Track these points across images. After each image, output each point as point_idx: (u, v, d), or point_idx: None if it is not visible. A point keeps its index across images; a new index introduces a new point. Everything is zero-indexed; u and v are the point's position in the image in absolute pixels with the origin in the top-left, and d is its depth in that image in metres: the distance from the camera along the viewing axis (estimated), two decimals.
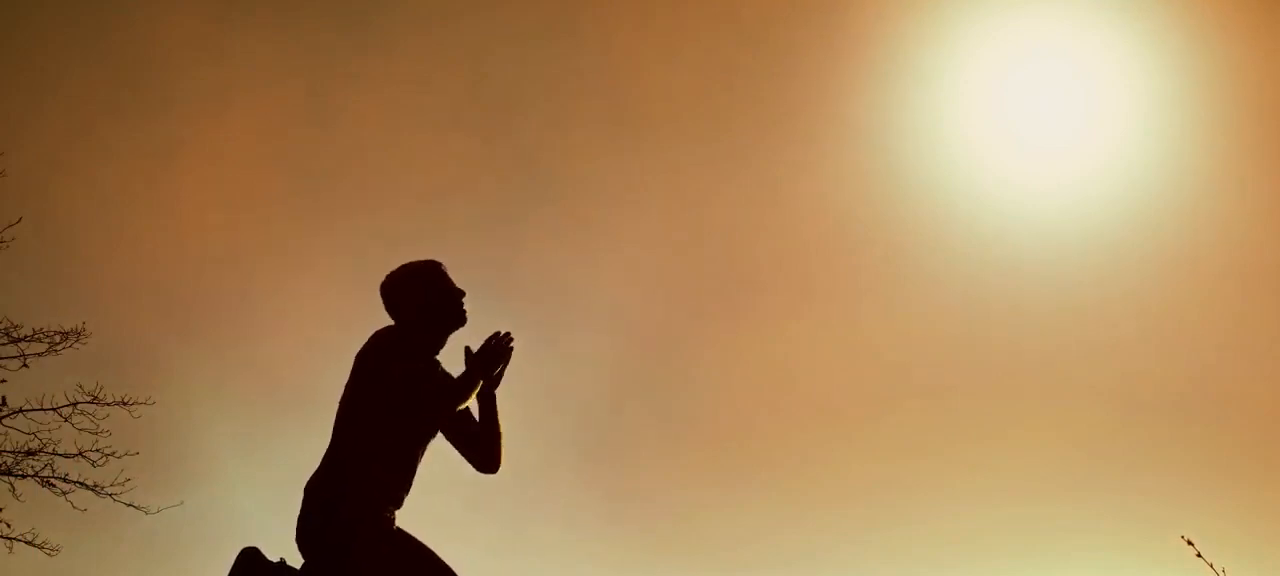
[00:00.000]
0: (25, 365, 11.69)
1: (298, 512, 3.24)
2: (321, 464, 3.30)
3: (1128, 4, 12.94)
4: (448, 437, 3.55)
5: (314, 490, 3.24)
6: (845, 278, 15.62)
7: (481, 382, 3.43)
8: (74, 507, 11.71)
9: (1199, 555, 3.70)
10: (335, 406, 3.38)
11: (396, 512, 3.35)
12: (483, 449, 3.57)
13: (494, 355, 3.43)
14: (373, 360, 3.35)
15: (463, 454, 3.58)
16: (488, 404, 3.56)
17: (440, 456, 3.55)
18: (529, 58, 14.54)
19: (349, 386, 3.37)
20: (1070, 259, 13.99)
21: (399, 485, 3.34)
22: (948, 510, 13.70)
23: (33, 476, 11.65)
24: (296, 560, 3.24)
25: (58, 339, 11.78)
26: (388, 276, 3.52)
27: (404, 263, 3.53)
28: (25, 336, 11.68)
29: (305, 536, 3.19)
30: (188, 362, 14.32)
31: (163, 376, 13.49)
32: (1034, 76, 13.37)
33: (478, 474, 3.59)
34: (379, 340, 3.40)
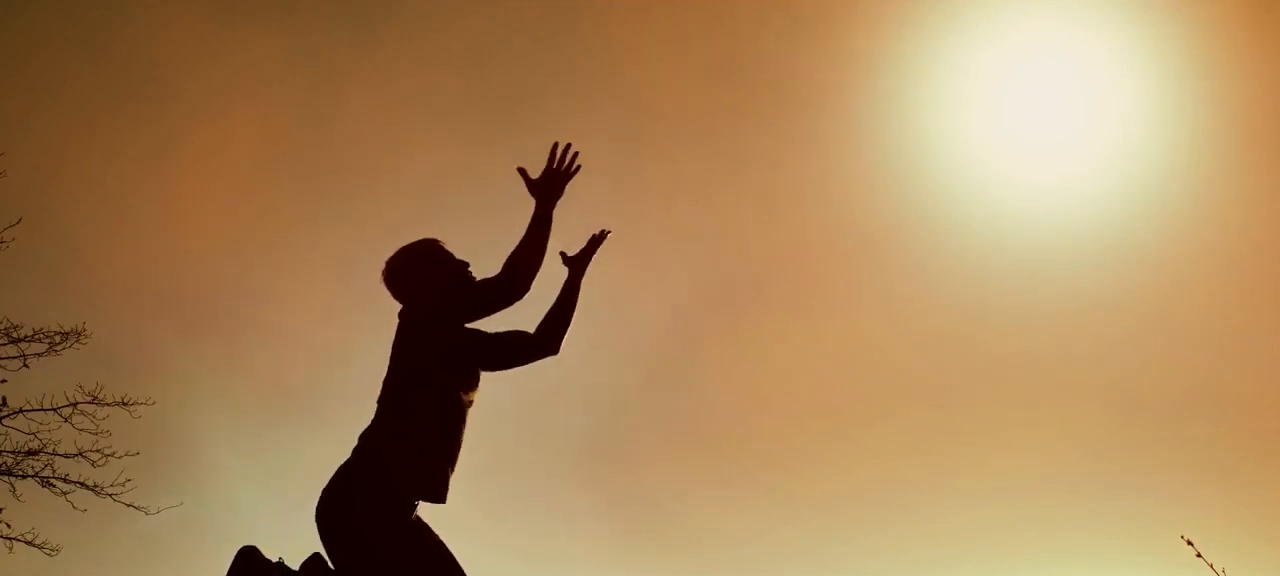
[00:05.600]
0: (25, 365, 11.73)
1: (325, 485, 3.16)
2: (361, 439, 3.23)
3: (1128, 4, 12.94)
4: (498, 349, 3.44)
5: (348, 469, 3.16)
6: (846, 279, 15.62)
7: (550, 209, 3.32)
8: (74, 507, 11.74)
9: (1199, 555, 3.70)
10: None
11: (449, 476, 3.26)
12: (550, 323, 3.51)
13: (560, 177, 3.37)
14: (418, 325, 3.32)
15: (516, 347, 3.46)
16: (573, 284, 3.56)
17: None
18: (529, 58, 14.55)
19: (395, 351, 3.33)
20: (1070, 259, 14.00)
21: (446, 454, 3.25)
22: (948, 510, 13.71)
23: (33, 476, 11.66)
24: (295, 559, 3.23)
25: (58, 339, 11.81)
26: (388, 262, 3.51)
27: (402, 246, 3.52)
28: (25, 336, 11.71)
29: (324, 515, 3.11)
30: (188, 362, 14.34)
31: (163, 376, 13.51)
32: (1034, 77, 13.37)
33: (527, 366, 3.48)
34: (417, 302, 3.39)
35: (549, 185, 3.36)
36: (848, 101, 14.05)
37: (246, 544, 3.15)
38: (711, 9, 14.39)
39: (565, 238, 3.55)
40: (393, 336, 3.39)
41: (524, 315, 3.50)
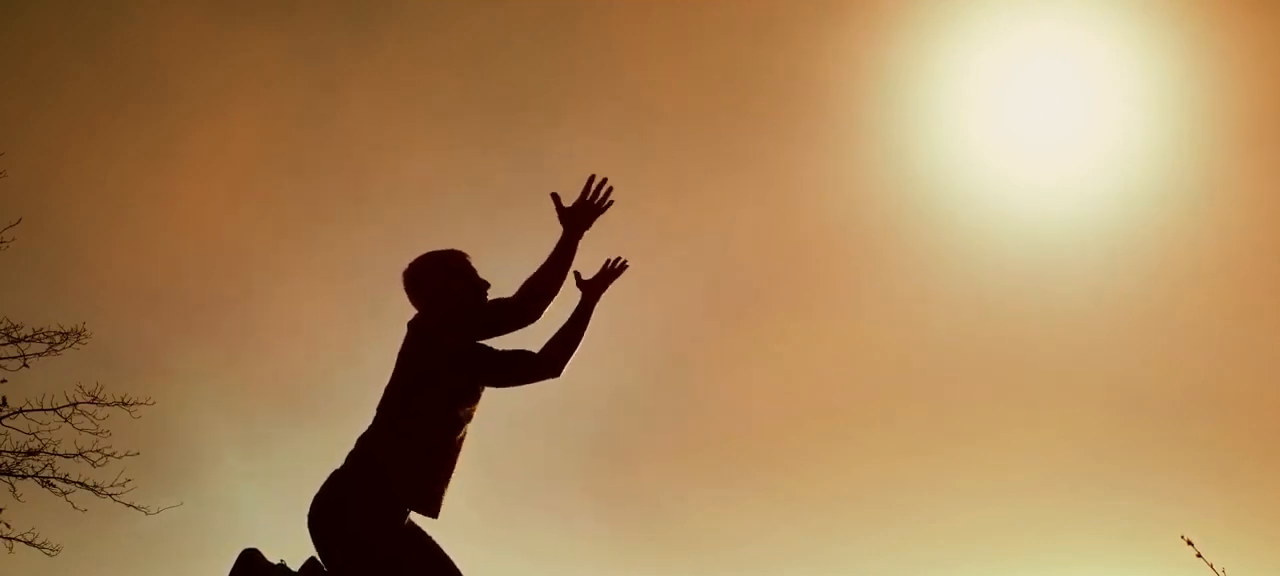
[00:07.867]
0: (25, 365, 11.72)
1: (316, 492, 3.15)
2: (358, 444, 3.22)
3: (1128, 4, 12.94)
4: (502, 366, 3.39)
5: (342, 476, 3.16)
6: (846, 279, 15.62)
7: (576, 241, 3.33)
8: (74, 507, 11.73)
9: (1199, 555, 3.69)
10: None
11: (444, 489, 3.25)
12: (556, 345, 3.46)
13: (592, 210, 3.35)
14: (430, 335, 3.30)
15: (519, 366, 3.40)
16: (584, 309, 3.51)
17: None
18: (529, 58, 14.55)
19: (402, 358, 3.31)
20: (1070, 259, 14.00)
21: (443, 465, 3.24)
22: (948, 510, 13.72)
23: (33, 476, 11.65)
24: (296, 560, 3.23)
25: (58, 339, 11.80)
26: (412, 264, 3.47)
27: (427, 251, 3.49)
28: (25, 336, 11.70)
29: (316, 521, 3.11)
30: (188, 362, 14.34)
31: (163, 376, 13.51)
32: (1034, 77, 13.37)
33: (531, 385, 3.43)
34: (432, 315, 3.37)
35: (579, 215, 3.34)
36: (848, 102, 14.06)
37: (248, 547, 3.14)
38: (711, 9, 14.40)
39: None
40: (399, 344, 3.37)
41: (531, 334, 3.48)
